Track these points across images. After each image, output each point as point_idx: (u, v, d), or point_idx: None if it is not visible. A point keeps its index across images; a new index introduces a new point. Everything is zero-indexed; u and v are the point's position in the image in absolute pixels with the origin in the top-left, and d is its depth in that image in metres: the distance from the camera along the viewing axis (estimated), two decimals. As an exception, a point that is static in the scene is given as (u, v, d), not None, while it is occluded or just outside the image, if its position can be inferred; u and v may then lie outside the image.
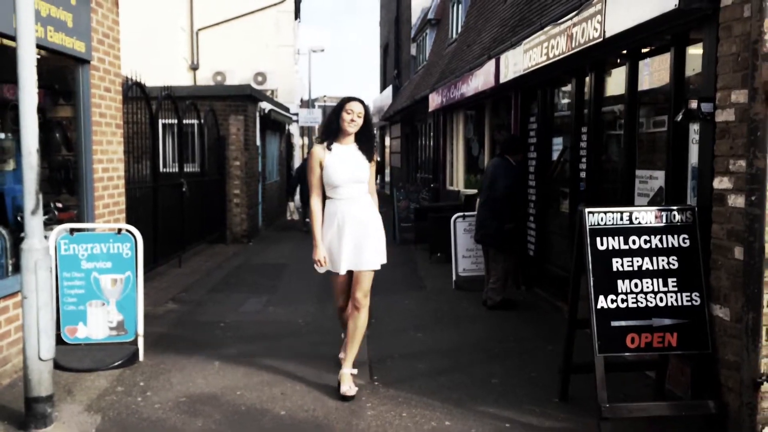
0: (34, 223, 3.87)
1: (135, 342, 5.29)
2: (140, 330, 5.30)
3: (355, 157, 4.53)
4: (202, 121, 11.19)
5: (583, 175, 6.44)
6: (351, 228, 4.46)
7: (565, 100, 7.24)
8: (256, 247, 12.35)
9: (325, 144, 4.53)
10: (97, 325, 5.27)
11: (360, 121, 4.50)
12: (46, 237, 4.15)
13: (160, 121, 9.26)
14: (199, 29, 20.42)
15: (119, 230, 5.36)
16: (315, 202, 4.58)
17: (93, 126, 6.03)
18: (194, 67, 20.42)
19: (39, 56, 4.60)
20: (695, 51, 4.49)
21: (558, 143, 7.32)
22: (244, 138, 12.54)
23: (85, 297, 5.27)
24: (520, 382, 4.82)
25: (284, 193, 19.87)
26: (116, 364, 5.07)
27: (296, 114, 21.95)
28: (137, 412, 4.25)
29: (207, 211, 11.45)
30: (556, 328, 6.00)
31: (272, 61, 20.83)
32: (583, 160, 6.43)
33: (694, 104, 4.05)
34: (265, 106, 14.21)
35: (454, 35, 15.90)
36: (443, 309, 7.16)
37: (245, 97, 12.53)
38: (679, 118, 4.19)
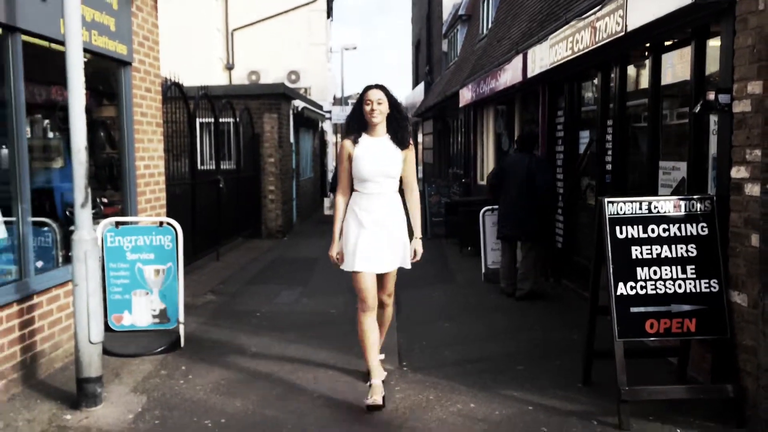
0: (83, 215, 4.16)
1: (177, 329, 5.58)
2: (181, 318, 5.59)
3: (387, 150, 4.26)
4: (238, 119, 11.52)
5: (609, 167, 6.52)
6: (372, 228, 4.23)
7: (591, 94, 7.32)
8: (291, 241, 12.65)
9: (353, 137, 4.28)
10: (141, 313, 5.57)
11: (384, 108, 4.21)
12: (93, 230, 4.44)
13: (198, 120, 9.59)
14: (234, 29, 20.86)
15: (161, 223, 5.66)
16: (339, 196, 4.37)
17: (135, 125, 6.35)
18: (229, 67, 20.88)
19: (84, 59, 4.92)
20: (715, 44, 4.57)
21: (585, 136, 7.40)
22: (278, 135, 12.84)
23: (129, 287, 5.58)
24: (544, 369, 4.96)
25: (318, 189, 20.20)
26: (159, 349, 5.37)
27: (329, 111, 22.23)
28: (180, 394, 4.53)
29: (243, 206, 11.78)
30: (582, 318, 6.03)
31: (305, 60, 21.17)
32: (609, 152, 6.52)
33: (711, 96, 4.15)
34: (299, 103, 14.50)
35: (485, 31, 15.96)
36: (472, 301, 7.32)
37: (279, 96, 12.83)
38: (698, 109, 4.28)
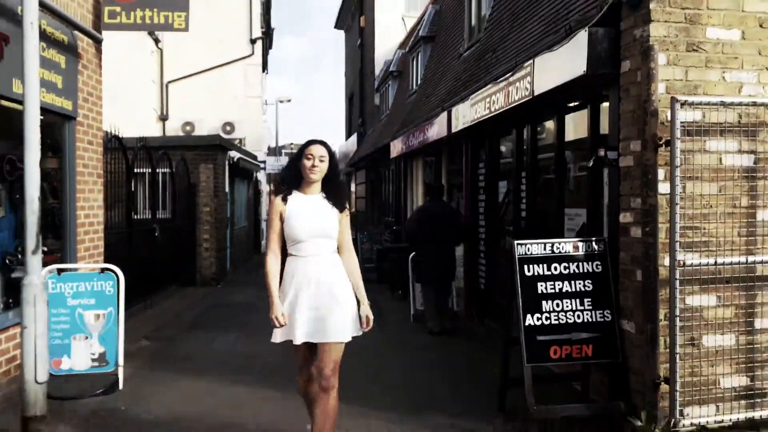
0: (34, 261, 4.42)
1: (116, 372, 5.75)
2: (121, 361, 5.77)
3: (322, 208, 3.87)
4: (174, 169, 11.77)
5: (524, 214, 7.18)
6: (311, 291, 3.76)
7: (508, 148, 8.04)
8: (225, 289, 12.81)
9: (283, 194, 3.88)
10: (80, 357, 5.71)
11: (324, 167, 3.85)
12: (42, 275, 4.67)
13: (135, 170, 9.81)
14: (169, 81, 21.09)
15: (102, 270, 5.88)
16: (272, 258, 3.84)
17: (77, 176, 6.59)
18: (164, 118, 21.02)
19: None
20: (607, 107, 5.29)
21: (503, 186, 8.08)
22: (213, 185, 13.13)
23: (69, 331, 5.73)
24: (465, 398, 5.43)
25: (252, 237, 20.37)
26: (99, 392, 5.53)
27: (264, 161, 22.62)
28: (122, 430, 4.73)
29: (178, 254, 11.93)
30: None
31: (240, 111, 21.55)
32: (524, 200, 7.18)
33: (602, 152, 4.83)
34: (234, 154, 14.85)
35: (414, 86, 16.83)
36: (402, 339, 7.76)
37: (215, 147, 13.17)
38: (591, 163, 4.95)
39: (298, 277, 3.79)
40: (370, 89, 25.61)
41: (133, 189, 9.54)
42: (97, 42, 7.12)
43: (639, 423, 4.17)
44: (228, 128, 20.91)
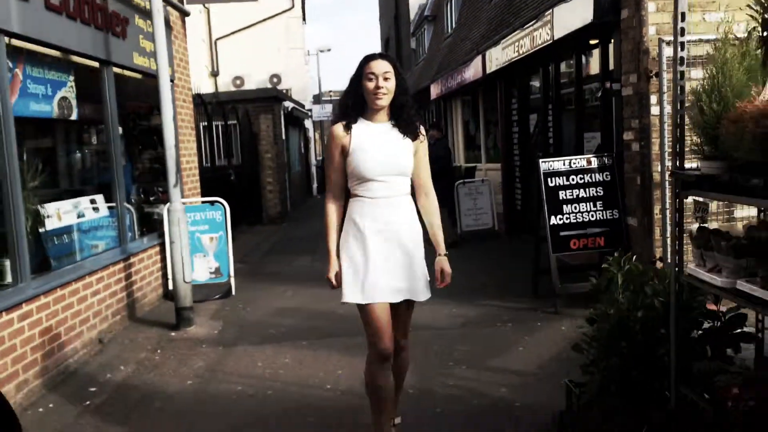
0: (175, 192, 5.90)
1: (228, 282, 7.32)
2: (232, 272, 7.33)
3: (394, 140, 3.13)
4: (239, 121, 13.21)
5: (551, 141, 8.40)
6: (383, 241, 3.11)
7: (536, 85, 9.19)
8: (289, 226, 14.38)
9: (345, 122, 3.14)
10: (201, 270, 7.28)
11: (391, 86, 3.07)
12: (182, 202, 6.15)
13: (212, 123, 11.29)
14: (217, 39, 22.41)
15: (212, 202, 7.38)
16: (331, 203, 3.21)
17: (179, 129, 8.04)
18: (215, 74, 22.44)
19: (143, 78, 6.67)
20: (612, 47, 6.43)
21: (533, 119, 9.27)
22: (273, 134, 14.56)
23: (192, 251, 7.28)
24: (506, 286, 6.82)
25: (305, 181, 21.91)
26: (218, 297, 7.11)
27: (310, 110, 23.90)
28: (244, 318, 6.30)
29: (246, 196, 13.48)
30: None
31: (285, 63, 22.83)
32: (551, 129, 8.39)
33: (608, 84, 6.01)
34: (288, 104, 16.21)
35: (450, 30, 17.79)
36: (451, 252, 9.15)
37: (272, 99, 14.54)
38: (599, 94, 6.15)
39: (366, 223, 3.10)
40: (406, 33, 26.44)
41: (214, 139, 11.01)
42: (185, 15, 8.45)
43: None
44: (275, 80, 22.25)
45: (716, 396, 2.54)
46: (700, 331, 3.02)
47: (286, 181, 16.35)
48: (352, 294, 3.11)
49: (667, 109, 5.42)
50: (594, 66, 7.11)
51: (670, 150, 5.61)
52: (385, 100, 3.09)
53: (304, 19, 26.43)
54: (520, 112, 9.63)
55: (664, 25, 5.53)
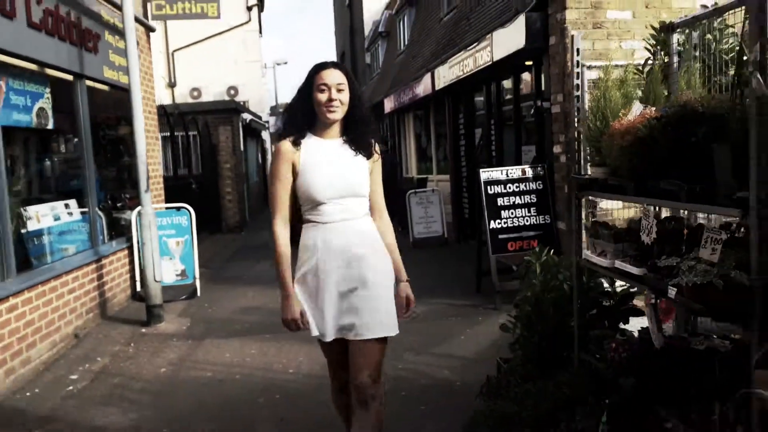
0: (146, 197, 6.36)
1: (194, 283, 7.78)
2: (197, 275, 7.80)
3: (347, 157, 2.83)
4: (199, 131, 13.64)
5: (494, 153, 9.13)
6: (340, 271, 2.76)
7: (480, 102, 9.94)
8: (248, 234, 14.82)
9: (293, 137, 2.79)
10: (168, 272, 7.71)
11: (345, 98, 2.77)
12: (152, 207, 6.61)
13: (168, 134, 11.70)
14: (175, 50, 22.70)
15: (179, 208, 7.85)
16: (281, 231, 2.80)
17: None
18: (172, 85, 22.69)
19: (111, 90, 7.13)
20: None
21: (478, 133, 10.02)
22: (232, 144, 15.01)
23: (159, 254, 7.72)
24: (453, 286, 7.47)
25: (262, 192, 22.33)
26: (185, 297, 7.57)
27: (267, 122, 24.34)
28: (211, 316, 6.79)
29: (207, 205, 13.87)
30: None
31: (242, 76, 23.24)
32: (493, 143, 9.12)
33: (539, 103, 6.75)
34: (246, 116, 16.66)
35: (402, 47, 18.54)
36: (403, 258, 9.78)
37: (231, 110, 15.00)
38: (533, 111, 6.88)
39: (320, 253, 2.77)
40: (361, 48, 27.13)
41: (177, 149, 11.43)
42: (150, 30, 8.92)
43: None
44: (232, 92, 22.63)
45: (605, 356, 3.22)
46: (597, 309, 3.70)
47: (245, 191, 16.78)
48: (313, 326, 2.80)
49: (589, 125, 6.17)
50: (529, 86, 7.87)
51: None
52: (338, 114, 2.77)
53: (260, 32, 26.90)
54: (467, 127, 10.36)
55: (586, 51, 6.29)
